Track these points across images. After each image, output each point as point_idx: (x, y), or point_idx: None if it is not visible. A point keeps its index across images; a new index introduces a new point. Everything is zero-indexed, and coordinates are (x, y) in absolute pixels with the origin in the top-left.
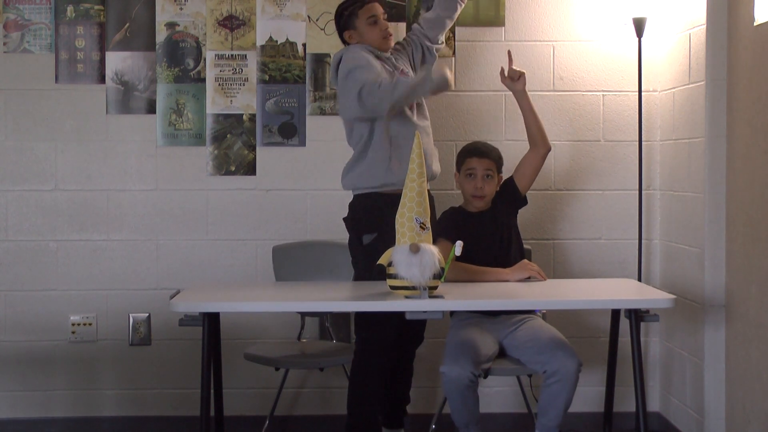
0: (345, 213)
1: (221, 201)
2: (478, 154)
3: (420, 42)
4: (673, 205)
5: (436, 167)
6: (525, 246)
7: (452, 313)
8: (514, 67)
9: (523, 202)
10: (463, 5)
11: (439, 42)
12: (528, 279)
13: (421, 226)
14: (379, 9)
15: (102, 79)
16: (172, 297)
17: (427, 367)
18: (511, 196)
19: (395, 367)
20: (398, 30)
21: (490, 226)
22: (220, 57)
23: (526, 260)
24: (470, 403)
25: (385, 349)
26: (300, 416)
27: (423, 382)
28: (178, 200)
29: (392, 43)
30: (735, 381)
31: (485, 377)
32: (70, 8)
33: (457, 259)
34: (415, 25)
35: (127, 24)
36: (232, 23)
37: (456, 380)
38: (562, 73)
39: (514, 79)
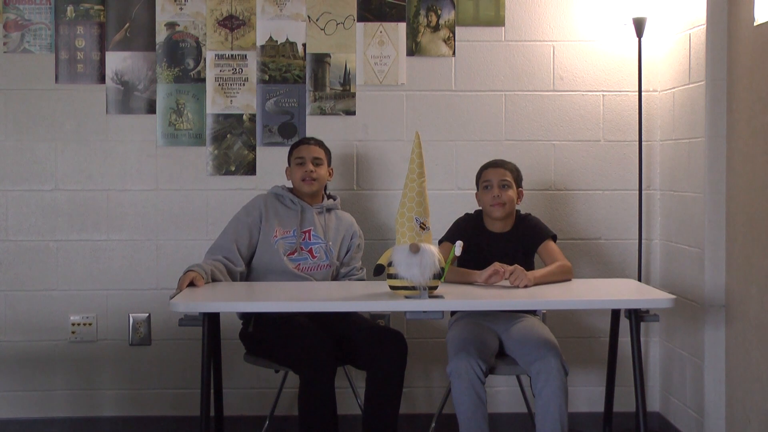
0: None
1: (221, 201)
2: (492, 166)
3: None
4: (673, 205)
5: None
6: None
7: (452, 312)
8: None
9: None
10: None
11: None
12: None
13: (421, 226)
14: (308, 152)
15: (102, 79)
16: (172, 297)
17: (426, 367)
18: (531, 236)
19: (371, 397)
20: (398, 30)
21: (504, 246)
22: (220, 57)
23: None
24: (479, 399)
25: (321, 372)
26: None
27: (423, 382)
28: (178, 200)
29: (314, 188)
30: (735, 381)
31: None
32: (70, 8)
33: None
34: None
35: (127, 24)
36: (232, 23)
37: (464, 373)
38: (562, 73)
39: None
